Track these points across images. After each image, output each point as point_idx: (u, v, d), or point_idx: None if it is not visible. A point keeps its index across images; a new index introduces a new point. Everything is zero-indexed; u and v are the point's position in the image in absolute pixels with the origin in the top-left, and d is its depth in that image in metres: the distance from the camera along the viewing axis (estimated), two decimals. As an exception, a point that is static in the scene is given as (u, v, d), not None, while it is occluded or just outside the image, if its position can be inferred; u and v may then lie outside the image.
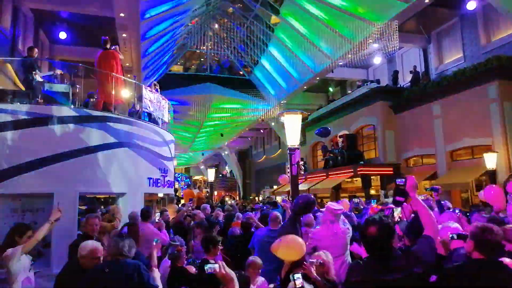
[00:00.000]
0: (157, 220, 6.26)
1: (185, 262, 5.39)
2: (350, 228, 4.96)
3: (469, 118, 12.97)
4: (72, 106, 7.78)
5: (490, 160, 11.61)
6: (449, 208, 6.24)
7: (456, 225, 3.83)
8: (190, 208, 7.97)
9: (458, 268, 2.60)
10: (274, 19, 18.98)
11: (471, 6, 13.81)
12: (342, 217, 5.00)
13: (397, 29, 13.05)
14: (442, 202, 6.47)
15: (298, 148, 5.80)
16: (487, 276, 2.43)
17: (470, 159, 13.32)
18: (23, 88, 8.16)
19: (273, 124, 26.04)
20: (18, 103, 7.39)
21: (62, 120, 7.20)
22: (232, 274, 2.17)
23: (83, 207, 7.48)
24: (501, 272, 2.45)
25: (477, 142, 12.87)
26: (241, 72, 25.32)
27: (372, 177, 16.43)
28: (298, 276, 2.82)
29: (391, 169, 15.97)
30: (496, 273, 2.44)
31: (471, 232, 2.69)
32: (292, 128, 5.79)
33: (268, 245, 3.73)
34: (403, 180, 2.85)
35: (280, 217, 5.39)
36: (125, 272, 3.11)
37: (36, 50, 8.64)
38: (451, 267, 2.71)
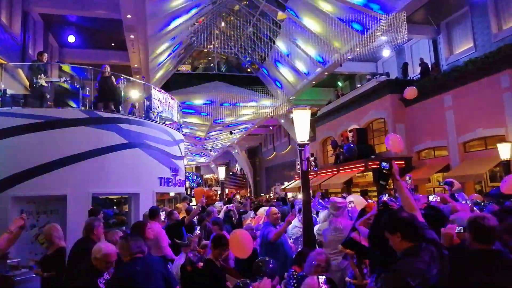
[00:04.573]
0: (162, 220, 6.27)
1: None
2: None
3: (481, 109, 12.73)
4: (82, 108, 7.87)
5: (504, 151, 11.38)
6: (465, 201, 6.12)
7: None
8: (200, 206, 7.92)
9: (461, 260, 2.48)
10: (280, 15, 18.88)
11: (481, -6, 13.56)
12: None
13: (405, 20, 12.83)
14: (456, 194, 6.38)
15: (307, 144, 5.76)
16: (491, 266, 2.35)
17: (483, 150, 13.10)
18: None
19: (282, 120, 25.96)
20: (29, 107, 7.51)
21: (73, 122, 7.29)
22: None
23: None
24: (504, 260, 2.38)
25: (490, 132, 12.64)
26: (249, 70, 25.28)
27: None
28: (322, 277, 2.84)
29: (403, 162, 15.80)
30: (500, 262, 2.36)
31: (468, 223, 2.61)
32: (301, 124, 5.77)
33: None
34: (388, 165, 3.11)
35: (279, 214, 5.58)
36: (156, 266, 3.28)
37: (45, 55, 8.65)
38: (459, 259, 2.52)
